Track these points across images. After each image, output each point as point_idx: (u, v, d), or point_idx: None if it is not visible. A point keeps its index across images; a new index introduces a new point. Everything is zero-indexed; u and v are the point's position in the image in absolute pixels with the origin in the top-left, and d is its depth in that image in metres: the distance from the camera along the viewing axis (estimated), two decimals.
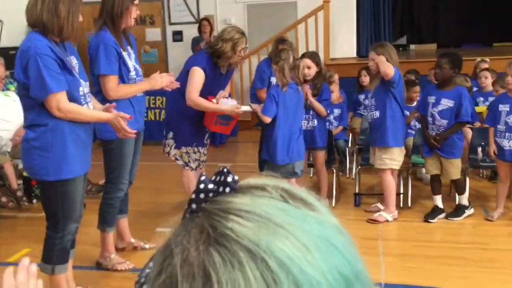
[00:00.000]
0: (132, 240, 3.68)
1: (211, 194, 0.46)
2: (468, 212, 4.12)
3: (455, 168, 4.04)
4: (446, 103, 3.99)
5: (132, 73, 3.21)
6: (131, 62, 3.22)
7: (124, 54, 3.18)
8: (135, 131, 2.81)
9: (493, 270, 3.26)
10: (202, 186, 0.46)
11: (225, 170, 0.47)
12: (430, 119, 4.07)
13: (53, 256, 2.74)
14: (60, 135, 2.56)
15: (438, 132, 4.01)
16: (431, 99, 4.06)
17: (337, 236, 0.45)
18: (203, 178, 0.47)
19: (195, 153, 3.94)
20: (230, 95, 4.11)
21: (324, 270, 0.41)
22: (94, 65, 3.12)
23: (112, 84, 3.11)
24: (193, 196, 0.46)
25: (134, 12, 3.19)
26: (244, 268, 0.40)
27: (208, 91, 3.75)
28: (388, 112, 3.96)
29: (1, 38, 7.25)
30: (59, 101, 2.49)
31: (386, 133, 3.97)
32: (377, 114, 4.03)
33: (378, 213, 4.12)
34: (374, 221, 4.06)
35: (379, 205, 4.28)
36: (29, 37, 2.53)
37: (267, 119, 3.74)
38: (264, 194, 0.46)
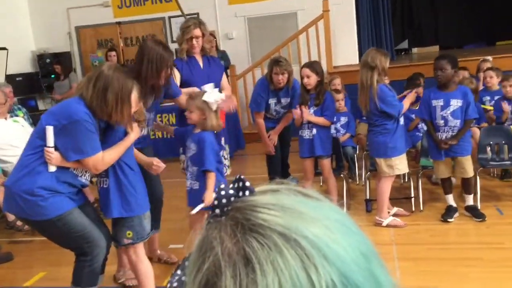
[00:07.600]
0: (159, 252, 3.77)
1: (232, 199, 0.51)
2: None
3: (471, 164, 4.08)
4: (456, 103, 4.02)
5: None
6: None
7: None
8: None
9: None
10: (223, 192, 0.51)
11: (242, 177, 0.52)
12: (441, 122, 4.06)
13: (81, 278, 2.77)
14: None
15: (453, 133, 4.01)
16: (438, 102, 4.06)
17: (349, 220, 0.50)
18: (222, 186, 0.52)
19: None
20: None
21: (345, 246, 0.46)
22: None
23: None
24: (216, 202, 0.50)
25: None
26: (280, 248, 0.45)
27: (188, 84, 3.77)
28: None
29: (8, 65, 7.34)
30: (95, 163, 2.63)
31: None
32: None
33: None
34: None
35: (400, 210, 4.30)
36: (74, 101, 2.62)
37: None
38: (280, 193, 0.51)
